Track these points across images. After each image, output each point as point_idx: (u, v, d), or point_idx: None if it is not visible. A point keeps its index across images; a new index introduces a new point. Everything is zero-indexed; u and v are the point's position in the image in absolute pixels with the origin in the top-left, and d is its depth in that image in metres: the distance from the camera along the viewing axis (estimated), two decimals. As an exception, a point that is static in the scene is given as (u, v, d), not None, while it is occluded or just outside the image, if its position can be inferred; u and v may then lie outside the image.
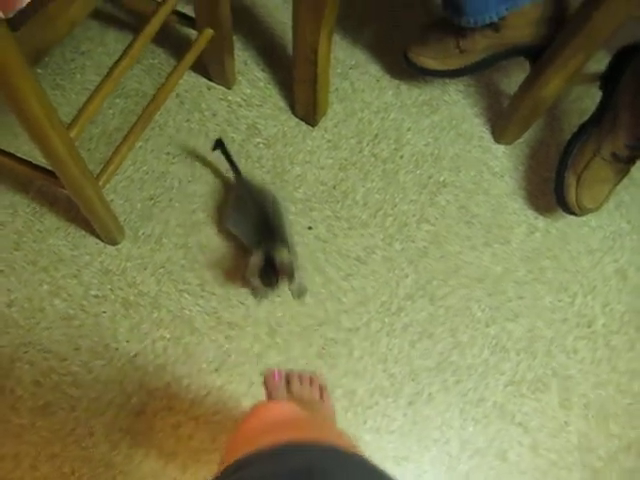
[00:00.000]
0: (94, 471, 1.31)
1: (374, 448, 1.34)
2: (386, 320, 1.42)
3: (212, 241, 1.45)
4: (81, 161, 1.11)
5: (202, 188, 1.49)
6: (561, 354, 1.43)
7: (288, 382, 1.26)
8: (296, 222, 1.47)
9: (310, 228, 1.47)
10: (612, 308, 1.48)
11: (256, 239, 1.30)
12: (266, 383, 1.28)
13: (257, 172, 1.50)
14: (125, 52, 1.10)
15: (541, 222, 1.52)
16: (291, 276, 1.25)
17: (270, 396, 1.27)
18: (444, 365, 1.40)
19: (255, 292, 1.24)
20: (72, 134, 1.05)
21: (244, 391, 1.36)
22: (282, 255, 1.24)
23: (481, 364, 1.41)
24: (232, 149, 1.51)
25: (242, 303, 1.41)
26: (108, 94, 1.11)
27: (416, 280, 1.45)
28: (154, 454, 1.32)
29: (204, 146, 1.52)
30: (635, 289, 1.49)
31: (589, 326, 1.46)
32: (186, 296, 1.41)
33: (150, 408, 1.35)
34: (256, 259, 1.24)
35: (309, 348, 1.39)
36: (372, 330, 1.41)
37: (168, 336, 1.39)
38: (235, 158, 1.41)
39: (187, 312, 1.40)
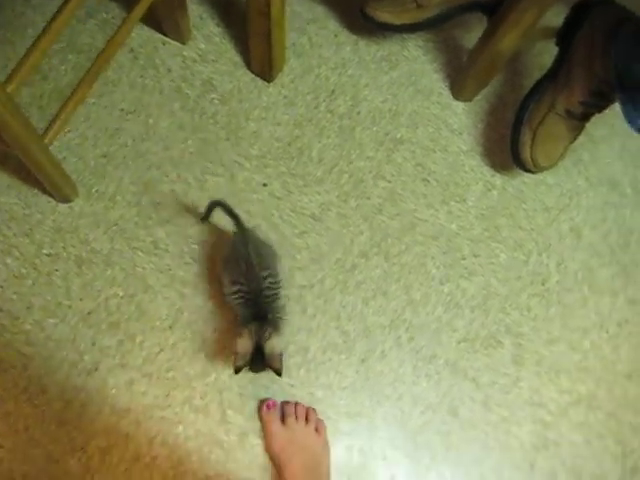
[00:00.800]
0: (47, 428, 1.30)
1: (327, 404, 1.34)
2: (340, 277, 1.41)
3: (165, 199, 1.43)
4: (21, 118, 1.08)
5: (156, 145, 1.47)
6: (514, 311, 1.43)
7: (283, 414, 1.31)
8: (250, 179, 1.45)
9: (265, 185, 1.45)
10: (566, 266, 1.48)
11: (248, 313, 1.23)
12: (260, 414, 1.31)
13: (212, 128, 1.48)
14: (64, 5, 1.06)
15: (498, 180, 1.51)
16: (279, 369, 1.17)
17: (264, 427, 1.30)
18: (397, 322, 1.40)
19: (237, 369, 1.18)
20: (9, 89, 1.02)
21: (197, 348, 1.35)
22: (273, 346, 1.17)
23: (434, 321, 1.41)
24: (187, 106, 1.49)
25: (195, 261, 1.40)
26: (47, 49, 1.07)
27: (371, 237, 1.44)
28: (107, 411, 1.32)
29: (158, 103, 1.49)
30: (589, 247, 1.49)
31: (543, 284, 1.46)
32: (139, 254, 1.40)
33: (103, 365, 1.34)
34: (245, 345, 1.17)
35: (262, 305, 1.38)
36: (326, 287, 1.40)
37: (121, 294, 1.37)
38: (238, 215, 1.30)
39: (140, 270, 1.39)
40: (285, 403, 1.33)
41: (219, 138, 1.48)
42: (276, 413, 1.31)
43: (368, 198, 1.46)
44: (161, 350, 1.35)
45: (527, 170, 1.42)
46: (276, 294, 1.25)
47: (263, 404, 1.31)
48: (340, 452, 1.32)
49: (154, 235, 1.41)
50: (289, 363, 1.34)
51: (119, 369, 1.34)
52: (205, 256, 1.40)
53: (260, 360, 1.18)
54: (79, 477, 1.28)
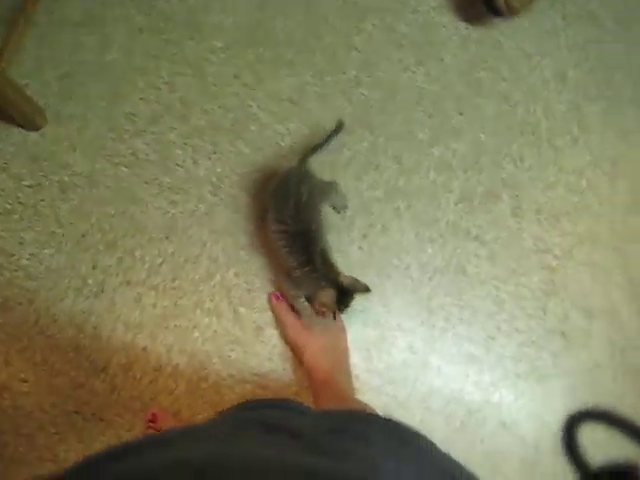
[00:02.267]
0: (65, 356, 1.19)
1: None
2: (328, 158, 1.26)
3: (138, 108, 1.26)
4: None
5: (118, 55, 1.28)
6: (508, 164, 1.29)
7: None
8: (220, 73, 1.28)
9: (236, 77, 1.28)
10: (554, 110, 1.33)
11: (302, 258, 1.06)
12: (271, 305, 1.20)
13: (172, 27, 1.29)
14: None
15: (473, 33, 1.33)
16: (365, 287, 1.06)
17: (277, 318, 1.19)
18: (393, 193, 1.26)
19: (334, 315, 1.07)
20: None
21: (198, 253, 1.22)
22: (346, 276, 1.06)
23: (429, 186, 1.27)
24: (141, 8, 1.31)
25: (180, 165, 1.24)
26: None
27: (352, 112, 1.28)
28: (120, 329, 1.20)
29: (112, 11, 1.29)
30: (575, 87, 1.34)
31: (533, 132, 1.31)
32: (122, 168, 1.24)
33: (108, 286, 1.21)
34: (328, 294, 1.05)
35: (254, 199, 1.24)
36: (315, 169, 1.25)
37: (112, 211, 1.23)
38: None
39: (126, 184, 1.23)
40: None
41: (182, 37, 1.29)
42: (285, 302, 1.20)
43: (343, 72, 1.29)
44: (163, 261, 1.22)
45: (502, 16, 1.24)
46: (322, 235, 1.09)
47: (271, 296, 1.20)
48: (357, 329, 1.21)
49: (133, 147, 1.25)
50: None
51: (124, 286, 1.21)
52: (189, 160, 1.24)
53: (346, 296, 1.06)
54: (106, 396, 1.18)
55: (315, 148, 1.12)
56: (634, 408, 1.25)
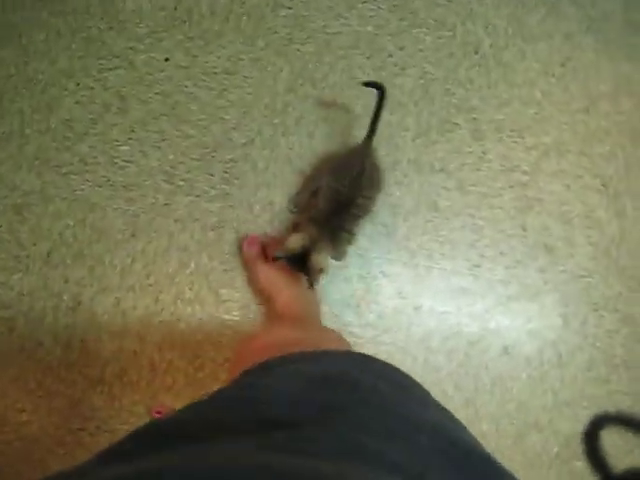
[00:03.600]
0: (58, 376, 1.18)
1: (311, 247, 1.20)
2: (276, 121, 1.23)
3: (74, 113, 1.22)
4: None
5: (41, 64, 1.24)
6: (458, 89, 1.27)
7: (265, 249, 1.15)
8: (150, 59, 1.24)
9: (167, 59, 1.24)
10: (494, 25, 1.30)
11: (327, 208, 1.03)
12: (243, 251, 1.17)
13: (90, 23, 1.24)
14: None
15: (397, -36, 1.29)
16: (312, 282, 1.02)
17: (249, 265, 1.16)
18: (349, 141, 1.24)
19: (275, 257, 1.02)
20: None
21: (166, 245, 1.20)
22: (318, 261, 1.00)
23: (384, 128, 1.24)
24: (55, 10, 1.25)
25: (129, 161, 1.21)
26: None
27: (291, 71, 1.25)
28: (106, 338, 1.19)
29: (24, 18, 1.25)
30: (510, -2, 1.30)
31: (476, 52, 1.29)
32: (72, 177, 1.21)
33: (84, 297, 1.19)
34: (295, 244, 1.00)
35: (212, 178, 1.21)
36: (266, 136, 1.23)
37: (71, 223, 1.20)
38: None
39: (79, 192, 1.21)
40: (266, 237, 1.19)
41: (101, 30, 1.25)
42: (258, 249, 1.16)
43: (275, 32, 1.26)
44: (133, 260, 1.20)
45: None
46: (360, 216, 1.06)
47: (244, 241, 1.16)
48: (341, 286, 1.20)
49: (79, 153, 1.22)
50: (259, 222, 1.19)
51: (101, 294, 1.19)
52: (138, 153, 1.21)
53: (299, 263, 1.01)
54: (108, 407, 1.17)
55: (374, 122, 1.09)
56: (633, 305, 1.25)
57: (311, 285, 1.02)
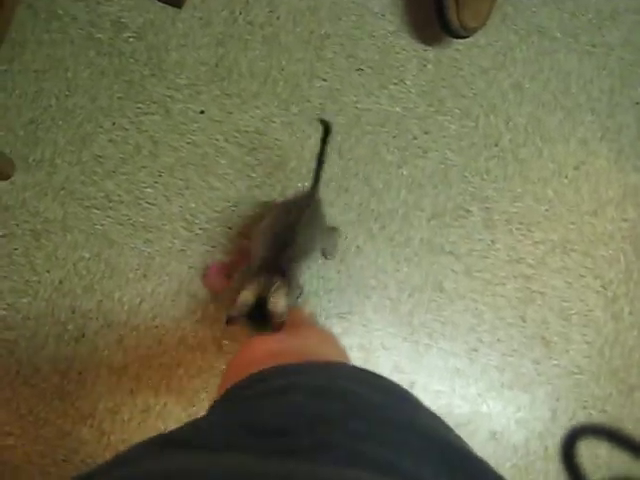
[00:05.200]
0: (50, 405, 1.21)
1: (317, 311, 1.25)
2: (299, 185, 1.29)
3: (106, 150, 1.29)
4: None
5: (82, 99, 1.31)
6: (475, 177, 1.34)
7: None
8: (186, 110, 1.31)
9: (202, 112, 1.31)
10: (515, 122, 1.38)
11: (268, 256, 1.01)
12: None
13: (134, 68, 1.31)
14: None
15: (430, 53, 1.39)
16: (277, 325, 0.94)
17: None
18: (365, 215, 1.30)
19: (229, 319, 0.93)
20: None
21: (176, 289, 1.24)
22: (277, 302, 0.94)
23: (401, 205, 1.31)
24: (102, 50, 1.32)
25: (152, 204, 1.27)
26: None
27: (319, 139, 1.31)
28: (105, 373, 1.22)
29: (72, 54, 1.32)
30: (533, 98, 1.40)
31: (496, 144, 1.37)
32: (94, 211, 1.26)
33: (89, 330, 1.22)
34: (247, 297, 0.94)
35: (229, 231, 1.27)
36: (288, 198, 1.29)
37: (87, 255, 1.25)
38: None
39: (99, 227, 1.26)
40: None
41: (144, 76, 1.32)
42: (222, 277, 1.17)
43: (308, 101, 1.34)
44: (142, 300, 1.24)
45: (457, 35, 1.30)
46: (301, 265, 1.04)
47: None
48: (341, 352, 1.24)
49: (104, 189, 1.28)
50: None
51: (105, 329, 1.23)
52: (161, 197, 1.27)
53: (259, 314, 0.95)
54: (95, 442, 1.19)
55: (319, 165, 1.09)
56: (621, 407, 1.29)
57: (278, 329, 0.94)
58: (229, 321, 0.92)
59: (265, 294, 0.94)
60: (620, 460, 1.23)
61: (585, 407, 1.29)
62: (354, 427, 0.46)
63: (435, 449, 0.45)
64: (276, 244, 1.00)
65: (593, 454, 1.25)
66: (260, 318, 0.93)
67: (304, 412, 0.48)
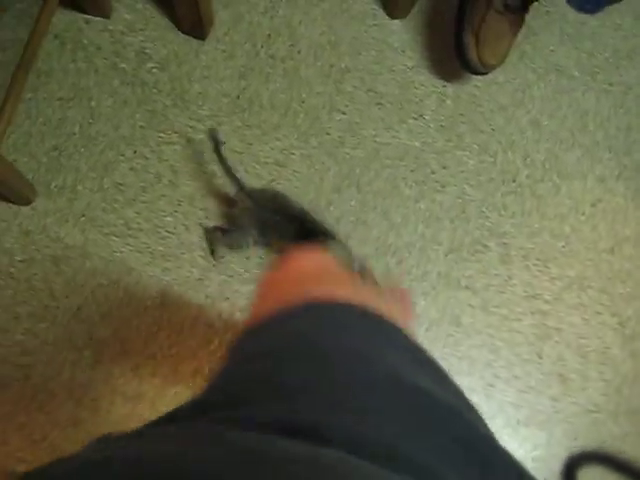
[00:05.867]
0: (64, 432, 1.21)
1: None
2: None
3: (127, 178, 1.31)
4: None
5: (104, 127, 1.34)
6: (493, 213, 1.36)
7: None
8: (207, 140, 1.33)
9: (223, 143, 1.33)
10: (532, 158, 1.40)
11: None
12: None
13: (156, 98, 1.34)
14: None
15: (450, 89, 1.41)
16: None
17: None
18: (383, 249, 1.32)
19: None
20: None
21: (194, 317, 1.25)
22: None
23: (418, 239, 1.33)
24: (126, 80, 1.35)
25: (172, 233, 1.29)
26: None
27: (338, 172, 1.34)
28: (119, 401, 1.23)
29: (96, 83, 1.35)
30: (551, 136, 1.42)
31: (514, 180, 1.38)
32: (114, 238, 1.28)
33: (105, 357, 1.24)
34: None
35: (247, 262, 1.28)
36: (306, 230, 1.30)
37: (106, 282, 1.26)
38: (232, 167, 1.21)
39: (118, 254, 1.27)
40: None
41: (166, 106, 1.35)
42: None
43: (328, 133, 1.36)
44: (159, 329, 1.26)
45: (477, 72, 1.33)
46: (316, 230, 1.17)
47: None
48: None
49: (124, 217, 1.30)
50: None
51: (121, 356, 1.24)
52: (180, 226, 1.29)
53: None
54: (107, 470, 1.19)
55: (227, 171, 1.19)
56: (636, 448, 1.29)
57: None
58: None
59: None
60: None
61: (602, 446, 1.28)
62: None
63: (463, 439, 0.39)
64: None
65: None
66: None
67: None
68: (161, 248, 1.29)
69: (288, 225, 1.14)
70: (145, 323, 1.26)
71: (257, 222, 1.18)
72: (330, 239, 1.14)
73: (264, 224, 1.16)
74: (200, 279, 1.28)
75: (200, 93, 1.37)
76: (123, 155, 1.33)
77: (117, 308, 1.26)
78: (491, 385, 1.29)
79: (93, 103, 1.36)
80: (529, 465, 1.27)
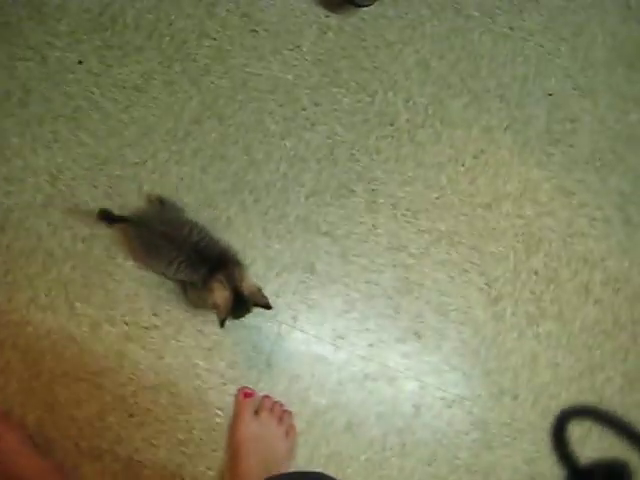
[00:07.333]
0: None
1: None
2: (173, 148, 1.26)
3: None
4: None
5: None
6: (364, 156, 1.30)
7: (259, 406, 1.16)
8: (64, 58, 1.27)
9: (80, 62, 1.28)
10: (415, 102, 1.34)
11: (203, 271, 1.09)
12: (236, 399, 1.15)
13: (10, 9, 1.27)
14: None
15: (333, 20, 1.34)
16: (266, 303, 1.08)
17: (236, 413, 1.14)
18: (240, 185, 1.27)
19: (223, 322, 1.06)
20: None
21: (33, 246, 1.21)
22: (250, 285, 1.08)
23: (279, 179, 1.27)
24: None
25: (17, 155, 1.23)
26: None
27: (201, 101, 1.28)
28: None
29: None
30: (439, 79, 1.35)
31: (392, 124, 1.32)
32: (-43, 157, 1.22)
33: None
34: (223, 296, 1.05)
35: (95, 190, 1.23)
36: (160, 161, 1.26)
37: None
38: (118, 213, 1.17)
39: None
40: (265, 396, 1.20)
41: (21, 18, 1.28)
42: (252, 403, 1.16)
43: (194, 60, 1.29)
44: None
45: (361, 5, 1.25)
46: (210, 238, 1.12)
47: (241, 390, 1.17)
48: (198, 337, 1.21)
49: None
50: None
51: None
52: (28, 149, 1.23)
53: (242, 304, 1.07)
54: None
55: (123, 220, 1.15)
56: (489, 411, 1.26)
57: (269, 307, 1.08)
58: (222, 323, 1.05)
59: (235, 285, 1.05)
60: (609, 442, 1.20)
61: (450, 406, 1.26)
62: None
63: None
64: (192, 259, 1.08)
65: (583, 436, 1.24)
66: (242, 307, 1.06)
67: None
68: (5, 170, 1.23)
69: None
70: (-15, 248, 1.21)
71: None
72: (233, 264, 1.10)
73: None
74: (44, 205, 1.23)
75: (59, 6, 1.30)
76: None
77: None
78: (341, 337, 1.26)
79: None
80: (372, 421, 1.25)
